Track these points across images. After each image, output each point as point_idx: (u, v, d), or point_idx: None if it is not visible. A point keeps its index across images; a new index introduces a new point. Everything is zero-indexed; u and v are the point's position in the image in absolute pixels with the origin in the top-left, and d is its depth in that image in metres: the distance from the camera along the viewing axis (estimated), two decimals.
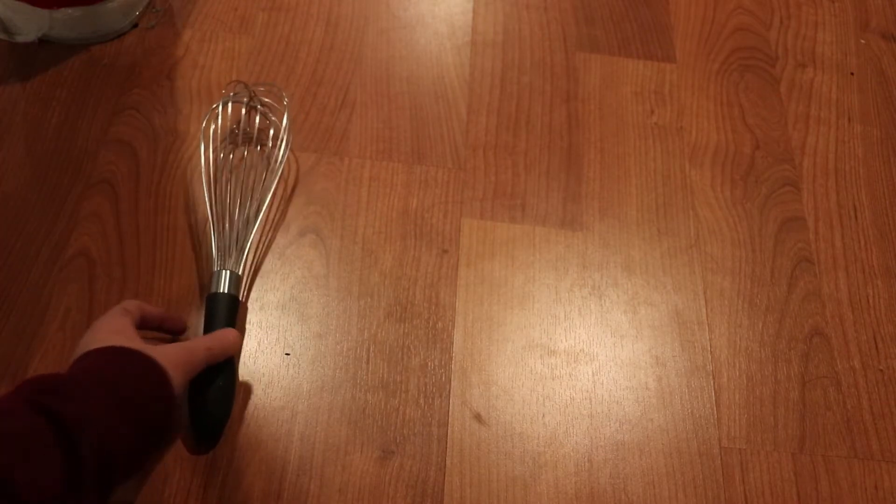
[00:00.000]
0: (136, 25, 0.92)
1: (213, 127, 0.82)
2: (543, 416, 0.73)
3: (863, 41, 1.02)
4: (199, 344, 0.65)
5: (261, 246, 0.79)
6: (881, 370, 0.78)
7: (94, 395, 0.51)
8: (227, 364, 0.69)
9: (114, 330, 0.61)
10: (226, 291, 0.72)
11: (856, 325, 0.80)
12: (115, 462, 0.50)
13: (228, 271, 0.73)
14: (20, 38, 0.89)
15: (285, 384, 0.72)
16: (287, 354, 0.73)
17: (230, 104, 0.85)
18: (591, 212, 0.85)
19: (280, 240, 0.79)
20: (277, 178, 0.79)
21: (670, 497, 0.70)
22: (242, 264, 0.74)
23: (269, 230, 0.80)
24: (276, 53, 0.92)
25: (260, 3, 0.96)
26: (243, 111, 0.85)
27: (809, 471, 0.72)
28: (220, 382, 0.68)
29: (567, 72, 0.94)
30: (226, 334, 0.68)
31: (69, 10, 0.87)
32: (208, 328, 0.70)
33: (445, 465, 0.70)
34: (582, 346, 0.77)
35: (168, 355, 0.59)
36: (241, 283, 0.74)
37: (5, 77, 0.87)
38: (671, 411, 0.74)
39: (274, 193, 0.79)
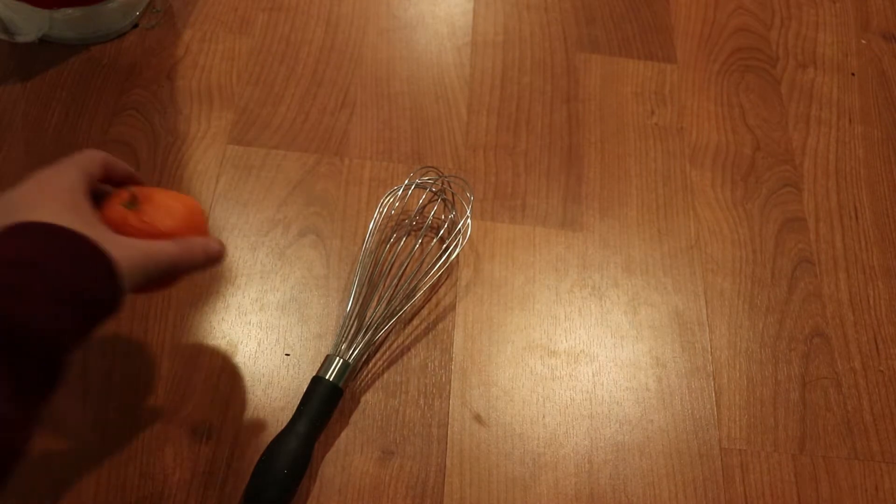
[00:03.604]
0: (136, 25, 0.92)
1: (387, 205, 0.80)
2: (543, 416, 0.73)
3: (864, 42, 1.01)
4: (164, 248, 0.56)
5: (384, 345, 0.75)
6: (882, 371, 0.78)
7: (37, 291, 0.47)
8: (300, 450, 0.65)
9: (64, 199, 0.52)
10: (331, 380, 0.69)
11: (856, 325, 0.80)
12: (56, 355, 0.48)
13: (342, 360, 0.69)
14: (20, 38, 0.89)
15: (285, 384, 0.72)
16: (287, 355, 0.73)
17: (412, 188, 0.81)
18: (591, 212, 0.85)
19: (280, 240, 0.79)
20: (437, 276, 0.77)
21: (670, 498, 0.70)
22: (359, 357, 0.71)
23: (273, 233, 0.80)
24: (277, 54, 0.92)
25: (260, 3, 0.96)
26: (423, 197, 0.82)
27: (810, 472, 0.72)
28: (285, 470, 0.65)
29: (567, 72, 0.94)
30: (195, 245, 0.59)
31: (69, 10, 0.87)
32: (304, 406, 0.68)
33: (445, 465, 0.70)
34: (582, 347, 0.77)
35: (126, 251, 0.52)
36: (350, 373, 0.70)
37: (5, 77, 0.87)
38: (671, 412, 0.74)
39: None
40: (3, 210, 0.51)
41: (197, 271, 0.62)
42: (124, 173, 0.61)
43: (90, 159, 0.57)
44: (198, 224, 0.62)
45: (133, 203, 0.58)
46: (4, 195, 0.53)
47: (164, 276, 0.58)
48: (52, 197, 0.52)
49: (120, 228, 0.57)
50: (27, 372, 0.45)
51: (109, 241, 0.52)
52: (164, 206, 0.60)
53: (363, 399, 0.72)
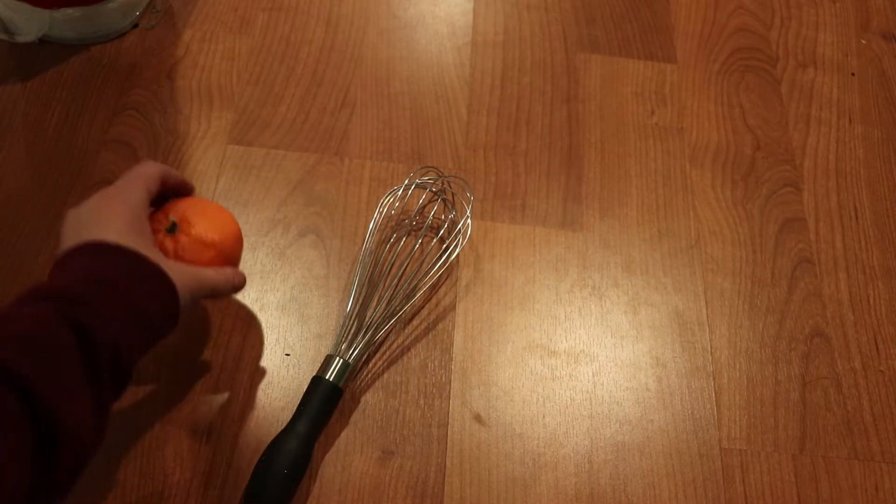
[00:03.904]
0: (136, 25, 0.92)
1: (387, 205, 0.80)
2: (543, 416, 0.73)
3: (864, 41, 1.01)
4: (209, 276, 0.62)
5: (384, 345, 0.75)
6: (882, 371, 0.78)
7: (114, 309, 0.52)
8: (300, 450, 0.66)
9: (130, 219, 0.58)
10: (331, 380, 0.68)
11: (856, 325, 0.80)
12: (127, 370, 0.53)
13: (342, 360, 0.69)
14: (20, 38, 0.89)
15: (285, 384, 0.72)
16: (287, 355, 0.73)
17: (412, 188, 0.81)
18: (591, 212, 0.85)
19: (280, 240, 0.79)
20: (437, 276, 0.77)
21: (670, 498, 0.70)
22: (359, 357, 0.71)
23: (273, 233, 0.80)
24: (277, 54, 0.92)
25: (260, 3, 0.96)
26: (423, 197, 0.82)
27: (810, 472, 0.72)
28: (285, 470, 0.65)
29: (567, 72, 0.94)
30: (233, 278, 0.65)
31: (69, 10, 0.87)
32: (304, 406, 0.68)
33: (445, 465, 0.70)
34: (582, 347, 0.77)
35: (180, 276, 0.58)
36: (350, 373, 0.70)
37: (5, 77, 0.87)
38: (671, 412, 0.74)
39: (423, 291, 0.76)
40: (75, 225, 0.58)
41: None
42: (177, 183, 0.66)
43: (150, 176, 0.62)
44: (231, 255, 0.68)
45: (173, 229, 0.64)
46: (75, 210, 0.59)
47: (203, 299, 0.62)
48: (119, 218, 0.57)
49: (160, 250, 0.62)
50: (103, 384, 0.50)
51: (168, 265, 0.57)
52: (200, 240, 0.64)
53: (363, 399, 0.72)
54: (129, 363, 0.53)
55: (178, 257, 0.64)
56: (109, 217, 0.57)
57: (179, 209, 0.66)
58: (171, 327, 0.58)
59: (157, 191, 0.63)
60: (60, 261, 0.55)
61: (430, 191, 0.82)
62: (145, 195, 0.61)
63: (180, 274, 0.58)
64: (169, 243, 0.64)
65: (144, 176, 0.62)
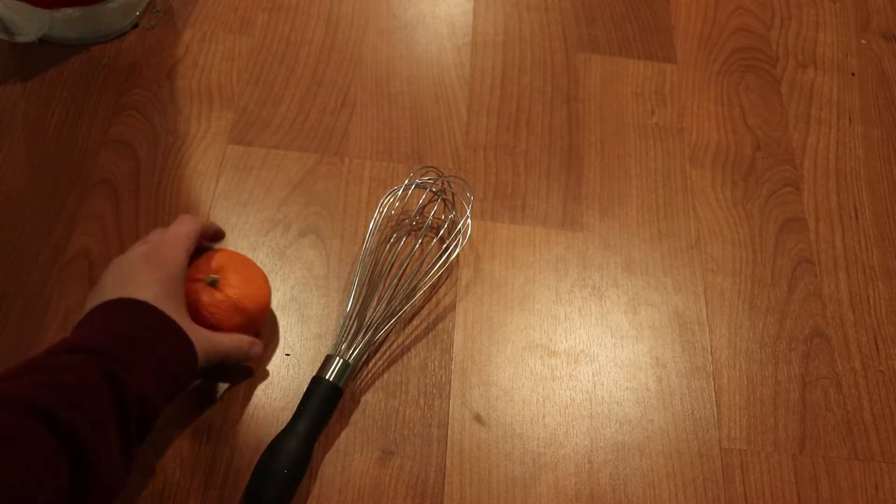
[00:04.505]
0: (136, 25, 0.92)
1: (387, 205, 0.80)
2: (543, 416, 0.73)
3: (864, 41, 1.01)
4: (225, 344, 0.67)
5: (384, 345, 0.75)
6: (882, 371, 0.78)
7: (144, 367, 0.58)
8: (300, 450, 0.66)
9: (167, 283, 0.63)
10: (331, 380, 0.69)
11: (856, 325, 0.80)
12: (150, 421, 0.59)
13: (342, 360, 0.69)
14: (20, 38, 0.89)
15: (285, 384, 0.72)
16: (287, 355, 0.73)
17: (412, 188, 0.81)
18: (591, 212, 0.85)
19: (280, 240, 0.79)
20: (437, 276, 0.77)
21: (670, 498, 0.70)
22: (359, 357, 0.71)
23: (273, 233, 0.80)
24: (277, 53, 0.92)
25: (260, 3, 0.96)
26: (423, 197, 0.82)
27: (810, 472, 0.72)
28: (285, 470, 0.65)
29: (567, 72, 0.94)
30: (247, 347, 0.69)
31: (69, 10, 0.87)
32: (304, 406, 0.68)
33: (445, 465, 0.70)
34: (582, 347, 0.77)
35: (199, 340, 0.63)
36: (350, 373, 0.70)
37: (5, 77, 0.87)
38: (671, 412, 0.74)
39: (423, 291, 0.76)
40: (117, 276, 0.63)
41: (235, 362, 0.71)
42: (212, 234, 0.73)
43: (189, 236, 0.67)
44: (257, 323, 0.72)
45: (214, 284, 0.68)
46: (118, 262, 0.65)
47: (221, 362, 0.68)
48: (157, 282, 0.63)
49: (193, 305, 0.67)
50: (130, 430, 0.55)
51: (190, 329, 0.63)
52: (233, 304, 0.68)
53: (363, 399, 0.72)
54: (153, 415, 0.58)
55: (208, 311, 0.67)
56: (148, 280, 0.63)
57: (222, 264, 0.70)
58: (190, 382, 0.64)
59: (195, 247, 0.68)
60: (99, 309, 0.61)
61: (430, 191, 0.82)
62: (184, 260, 0.66)
63: (199, 337, 0.63)
64: (205, 295, 0.68)
65: (184, 236, 0.67)
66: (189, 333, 0.62)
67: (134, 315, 0.61)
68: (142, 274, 0.63)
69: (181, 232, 0.67)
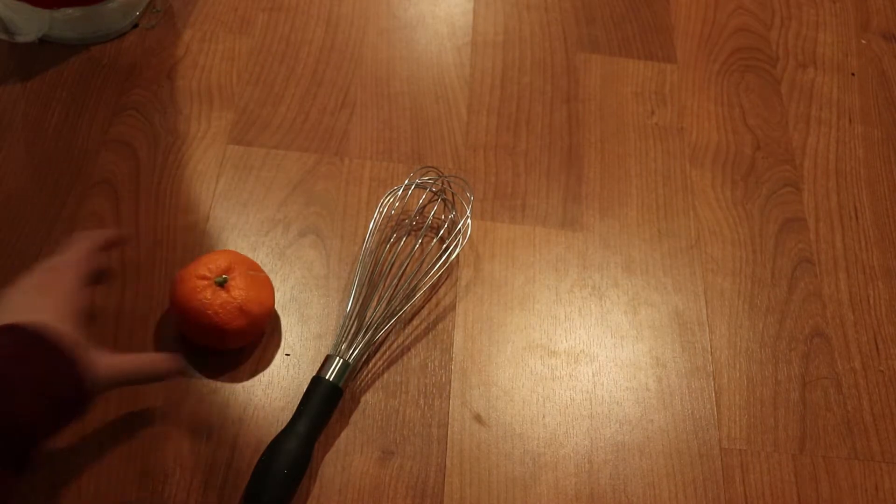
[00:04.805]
0: (136, 25, 0.92)
1: (387, 205, 0.80)
2: (543, 416, 0.73)
3: (864, 41, 1.02)
4: (134, 362, 0.65)
5: (384, 345, 0.75)
6: (882, 371, 0.78)
7: (18, 386, 0.55)
8: (300, 450, 0.66)
9: (60, 308, 0.60)
10: (331, 380, 0.68)
11: (856, 325, 0.80)
12: (26, 447, 0.55)
13: (342, 360, 0.69)
14: (20, 38, 0.89)
15: (285, 384, 0.72)
16: (287, 355, 0.73)
17: (412, 188, 0.81)
18: (591, 212, 0.85)
19: (280, 240, 0.79)
20: (437, 276, 0.77)
21: (670, 498, 0.70)
22: (359, 357, 0.71)
23: (273, 233, 0.80)
24: (277, 53, 0.92)
25: (260, 3, 0.96)
26: (423, 197, 0.82)
27: (810, 472, 0.72)
28: (285, 470, 0.64)
29: (567, 72, 0.94)
30: (164, 366, 0.66)
31: (69, 10, 0.87)
32: (304, 406, 0.68)
33: (445, 465, 0.70)
34: (582, 347, 0.77)
35: (99, 362, 0.60)
36: (350, 373, 0.70)
37: (5, 77, 0.87)
38: (671, 412, 0.74)
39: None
40: (7, 305, 0.60)
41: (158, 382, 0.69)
42: (112, 242, 0.71)
43: (80, 259, 0.65)
44: (259, 329, 0.72)
45: (222, 283, 0.69)
46: (9, 292, 0.61)
47: (132, 384, 0.67)
48: (49, 309, 0.59)
49: (198, 303, 0.68)
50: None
51: (88, 351, 0.59)
52: (239, 307, 0.68)
53: (363, 399, 0.72)
54: (28, 437, 0.55)
55: (214, 311, 0.68)
56: (43, 306, 0.60)
57: (231, 265, 0.70)
58: (79, 410, 0.59)
59: (93, 266, 0.66)
60: None
61: (430, 191, 0.82)
62: (76, 284, 0.63)
63: (100, 361, 0.60)
64: (212, 294, 0.68)
65: (75, 261, 0.65)
66: (85, 355, 0.58)
67: (14, 337, 0.57)
68: (35, 304, 0.60)
69: (69, 259, 0.65)
